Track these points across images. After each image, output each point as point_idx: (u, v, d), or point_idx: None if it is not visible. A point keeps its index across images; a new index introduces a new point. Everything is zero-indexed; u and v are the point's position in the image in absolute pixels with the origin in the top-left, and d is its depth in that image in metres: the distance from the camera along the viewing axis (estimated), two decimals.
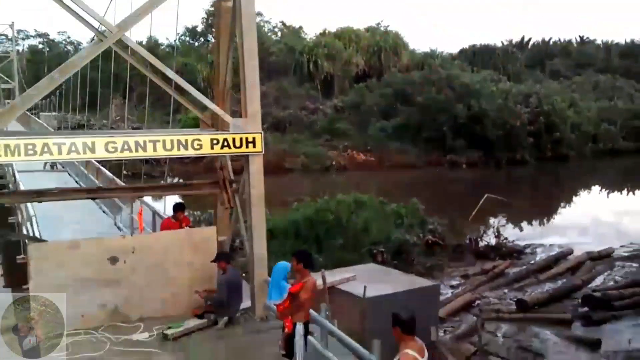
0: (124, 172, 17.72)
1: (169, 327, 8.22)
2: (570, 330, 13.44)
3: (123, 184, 15.80)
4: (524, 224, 26.91)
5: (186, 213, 10.62)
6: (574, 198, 35.32)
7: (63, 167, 22.34)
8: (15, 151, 7.34)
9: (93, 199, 10.83)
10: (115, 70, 24.53)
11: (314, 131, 46.23)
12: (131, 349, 7.80)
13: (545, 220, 29.00)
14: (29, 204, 11.75)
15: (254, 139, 8.44)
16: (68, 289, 8.16)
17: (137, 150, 7.99)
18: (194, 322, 8.46)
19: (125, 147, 7.92)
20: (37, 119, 39.70)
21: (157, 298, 8.77)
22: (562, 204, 33.35)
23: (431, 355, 6.09)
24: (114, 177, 16.70)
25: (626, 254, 20.01)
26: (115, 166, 19.10)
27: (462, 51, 69.87)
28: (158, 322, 8.50)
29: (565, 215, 30.66)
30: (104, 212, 15.59)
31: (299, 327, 6.65)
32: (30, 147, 7.44)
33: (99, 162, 16.52)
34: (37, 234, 10.95)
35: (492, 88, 45.11)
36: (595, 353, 12.28)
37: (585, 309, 14.43)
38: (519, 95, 46.17)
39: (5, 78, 53.94)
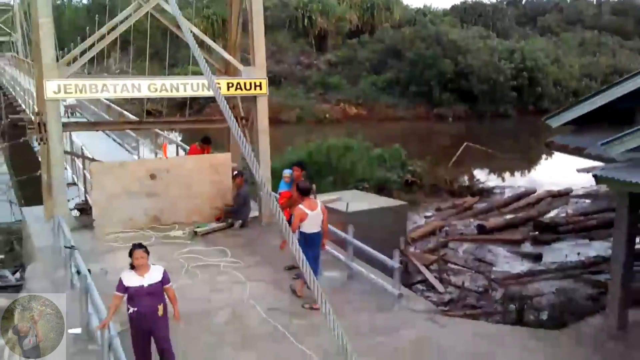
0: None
1: (198, 227, 10.85)
2: (519, 248, 16.25)
3: None
4: (500, 171, 29.57)
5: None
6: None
7: (80, 114, 24.62)
8: (82, 89, 9.75)
9: (135, 129, 13.29)
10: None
11: (308, 85, 48.24)
12: (170, 241, 10.43)
13: (520, 168, 31.67)
14: (74, 137, 14.16)
15: (260, 83, 10.87)
16: (120, 198, 10.73)
17: (171, 91, 10.42)
18: (216, 224, 11.11)
19: (163, 87, 10.34)
20: None
21: (186, 207, 11.35)
22: (539, 154, 35.98)
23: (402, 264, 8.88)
24: (135, 118, 19.14)
25: (582, 193, 22.73)
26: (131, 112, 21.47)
27: (453, 7, 71.14)
28: (187, 225, 11.12)
29: (540, 163, 33.34)
30: (119, 144, 18.08)
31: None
32: (93, 86, 9.85)
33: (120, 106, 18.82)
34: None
35: (479, 44, 46.96)
36: (536, 263, 15.09)
37: (535, 232, 17.22)
38: (504, 51, 48.13)
39: (7, 30, 55.13)
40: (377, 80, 47.30)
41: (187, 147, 13.54)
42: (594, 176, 7.04)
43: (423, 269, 13.34)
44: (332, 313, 3.01)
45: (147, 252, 6.05)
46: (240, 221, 11.13)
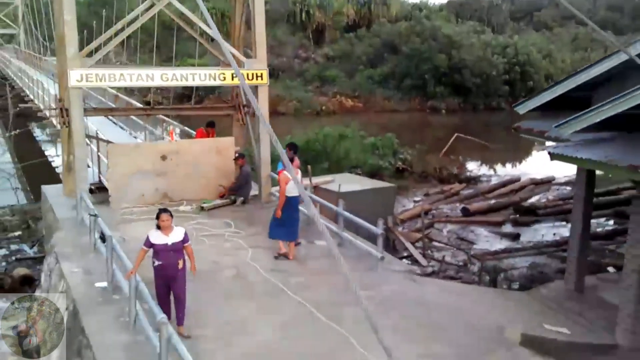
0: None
1: (204, 203, 12.03)
2: (500, 229, 17.49)
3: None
4: (489, 161, 30.78)
5: None
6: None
7: (87, 103, 25.66)
8: (102, 78, 10.91)
9: (147, 115, 14.46)
10: (110, 15, 27.04)
11: (305, 78, 49.37)
12: (180, 215, 11.58)
13: (509, 158, 32.88)
14: (89, 124, 15.30)
15: (262, 74, 12.03)
16: (133, 176, 11.90)
17: (181, 80, 11.58)
18: (220, 201, 12.30)
19: (174, 77, 11.50)
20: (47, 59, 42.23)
21: (193, 186, 12.52)
22: (529, 145, 37.12)
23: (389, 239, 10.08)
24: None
25: (564, 181, 23.97)
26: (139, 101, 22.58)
27: (450, 2, 72.18)
28: (194, 201, 12.30)
29: (530, 153, 34.55)
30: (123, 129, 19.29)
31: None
32: (112, 75, 11.01)
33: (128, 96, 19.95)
34: None
35: (473, 39, 48.08)
36: (514, 242, 16.34)
37: (516, 215, 18.46)
38: (498, 46, 49.29)
39: (9, 23, 55.96)
40: (374, 73, 48.46)
41: (194, 132, 14.70)
42: (549, 153, 8.26)
43: (408, 244, 14.57)
44: (347, 267, 3.48)
45: (172, 216, 7.24)
46: (242, 198, 12.32)
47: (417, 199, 20.95)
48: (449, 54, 45.96)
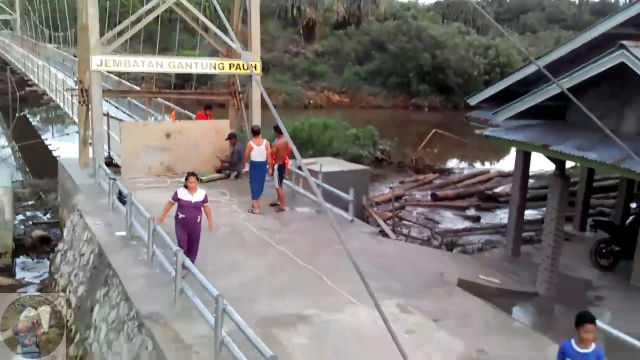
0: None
1: (203, 175, 13.87)
2: (464, 212, 19.56)
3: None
4: (465, 155, 32.88)
5: None
6: None
7: None
8: (119, 64, 12.72)
9: (155, 97, 16.28)
10: (105, 6, 28.39)
11: (295, 73, 51.19)
12: (181, 184, 13.44)
13: (484, 153, 35.00)
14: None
15: (256, 65, 13.89)
16: (142, 151, 13.73)
17: (185, 67, 13.42)
18: (217, 175, 14.17)
19: (179, 65, 13.34)
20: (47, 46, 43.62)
21: (193, 160, 14.33)
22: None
23: (363, 215, 12.04)
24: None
25: (530, 174, 26.08)
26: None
27: (437, 3, 74.38)
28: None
29: (504, 150, 36.68)
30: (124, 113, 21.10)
31: (276, 167, 12.36)
32: (127, 61, 12.83)
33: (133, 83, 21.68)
34: None
35: (457, 40, 50.19)
36: (475, 224, 18.40)
37: (479, 202, 20.54)
38: (480, 47, 51.47)
39: (7, 9, 57.06)
40: (361, 70, 50.43)
41: (194, 115, 16.55)
42: (485, 136, 10.26)
43: (380, 220, 16.51)
44: (332, 216, 4.55)
45: (197, 179, 9.09)
46: (235, 172, 14.19)
47: (393, 185, 22.95)
48: (433, 54, 48.03)
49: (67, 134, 25.75)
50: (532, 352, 7.32)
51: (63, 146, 26.11)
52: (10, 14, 57.40)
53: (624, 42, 7.71)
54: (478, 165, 30.68)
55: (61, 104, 22.81)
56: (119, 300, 8.58)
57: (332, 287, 8.91)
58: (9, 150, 28.36)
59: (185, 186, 9.01)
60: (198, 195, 9.03)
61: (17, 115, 28.66)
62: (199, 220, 9.06)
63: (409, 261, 10.37)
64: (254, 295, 8.49)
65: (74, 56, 37.55)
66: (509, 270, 11.42)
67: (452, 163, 29.84)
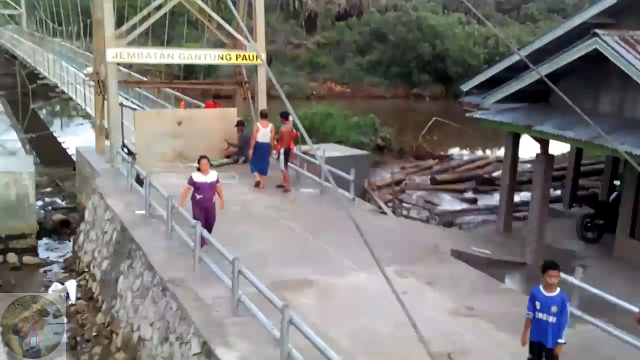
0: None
1: (213, 160, 14.66)
2: (462, 195, 20.41)
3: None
4: (465, 143, 33.65)
5: None
6: None
7: None
8: (133, 55, 13.56)
9: (168, 87, 17.14)
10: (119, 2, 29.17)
11: (297, 64, 51.93)
12: (192, 168, 14.32)
13: (484, 140, 35.76)
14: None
15: (261, 55, 14.71)
16: (155, 138, 14.59)
17: (195, 59, 14.26)
18: (226, 160, 15.04)
19: (189, 56, 14.19)
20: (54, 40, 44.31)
21: (203, 146, 15.13)
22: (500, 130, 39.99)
23: (364, 197, 12.99)
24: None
25: (527, 159, 26.91)
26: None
27: None
28: None
29: (501, 137, 37.38)
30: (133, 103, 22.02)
31: (282, 151, 13.22)
32: (140, 53, 13.66)
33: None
34: None
35: (456, 30, 50.81)
36: (472, 205, 19.25)
37: (476, 185, 21.39)
38: (480, 37, 52.05)
39: (13, 4, 57.83)
40: (362, 61, 51.13)
41: (203, 104, 17.42)
42: (475, 119, 11.10)
43: (380, 202, 17.34)
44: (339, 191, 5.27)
45: (209, 161, 9.92)
46: (243, 157, 15.04)
47: (394, 171, 23.77)
48: (433, 44, 48.68)
49: (81, 124, 26.62)
50: (515, 308, 8.16)
51: (71, 138, 27.07)
52: (15, 8, 58.15)
53: (597, 30, 8.51)
54: (479, 153, 31.49)
55: (73, 96, 23.67)
56: (143, 270, 9.48)
57: (335, 257, 9.80)
58: (19, 143, 29.29)
59: (198, 169, 9.81)
60: (211, 176, 9.85)
61: (31, 107, 29.53)
62: (214, 200, 9.86)
63: (406, 234, 11.25)
64: (264, 264, 9.36)
65: (89, 52, 38.24)
66: (499, 243, 12.29)
67: (452, 150, 30.63)
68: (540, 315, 5.88)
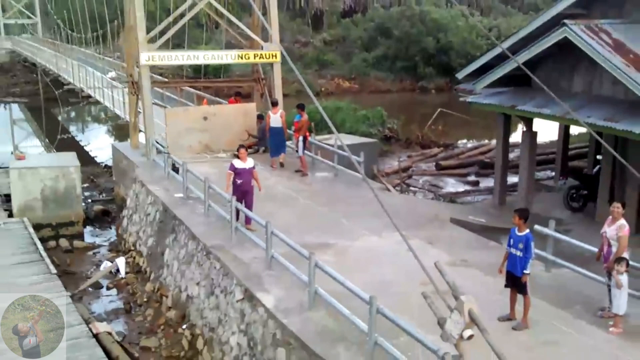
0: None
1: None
2: (465, 178, 21.93)
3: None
4: (469, 132, 35.05)
5: None
6: None
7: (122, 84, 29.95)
8: (164, 58, 15.25)
9: (191, 86, 18.84)
10: (121, 6, 30.73)
11: (304, 62, 53.53)
12: (219, 159, 16.00)
13: (488, 129, 37.11)
14: None
15: (276, 54, 16.33)
16: (184, 132, 16.27)
17: (218, 59, 15.94)
18: (248, 150, 16.67)
19: (213, 57, 15.88)
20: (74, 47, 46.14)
21: (226, 139, 16.85)
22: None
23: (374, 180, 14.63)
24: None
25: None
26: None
27: None
28: (228, 151, 16.64)
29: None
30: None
31: (301, 138, 14.86)
32: (169, 56, 15.34)
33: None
34: None
35: (459, 23, 52.13)
36: (475, 188, 20.77)
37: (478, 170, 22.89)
38: (483, 28, 53.26)
39: (28, 14, 59.95)
40: (368, 56, 52.64)
41: (225, 101, 19.09)
42: (468, 102, 12.65)
43: (389, 186, 18.96)
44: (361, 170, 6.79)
45: (246, 150, 11.49)
46: (263, 147, 16.70)
47: (401, 159, 25.32)
48: (436, 37, 50.05)
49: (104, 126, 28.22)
50: (500, 260, 9.75)
51: (93, 141, 28.87)
52: (29, 17, 60.20)
53: (566, 20, 10.03)
54: (478, 139, 32.87)
55: (100, 99, 25.43)
56: (187, 241, 11.16)
57: (349, 225, 11.42)
58: (43, 146, 31.12)
59: (237, 157, 11.36)
60: (249, 162, 11.36)
61: (60, 114, 31.28)
62: (252, 183, 11.34)
63: (410, 206, 12.86)
64: (288, 233, 10.82)
65: (117, 58, 39.74)
66: (494, 215, 13.83)
67: (457, 139, 32.07)
68: (512, 250, 7.49)
